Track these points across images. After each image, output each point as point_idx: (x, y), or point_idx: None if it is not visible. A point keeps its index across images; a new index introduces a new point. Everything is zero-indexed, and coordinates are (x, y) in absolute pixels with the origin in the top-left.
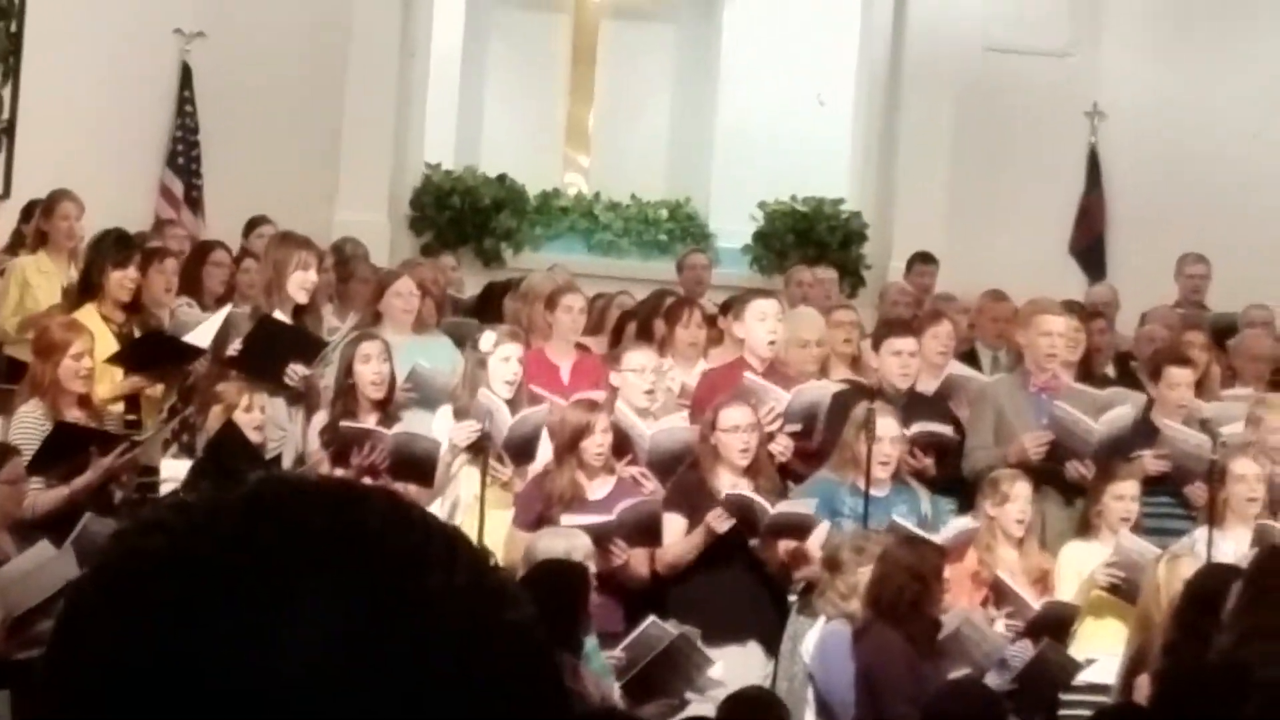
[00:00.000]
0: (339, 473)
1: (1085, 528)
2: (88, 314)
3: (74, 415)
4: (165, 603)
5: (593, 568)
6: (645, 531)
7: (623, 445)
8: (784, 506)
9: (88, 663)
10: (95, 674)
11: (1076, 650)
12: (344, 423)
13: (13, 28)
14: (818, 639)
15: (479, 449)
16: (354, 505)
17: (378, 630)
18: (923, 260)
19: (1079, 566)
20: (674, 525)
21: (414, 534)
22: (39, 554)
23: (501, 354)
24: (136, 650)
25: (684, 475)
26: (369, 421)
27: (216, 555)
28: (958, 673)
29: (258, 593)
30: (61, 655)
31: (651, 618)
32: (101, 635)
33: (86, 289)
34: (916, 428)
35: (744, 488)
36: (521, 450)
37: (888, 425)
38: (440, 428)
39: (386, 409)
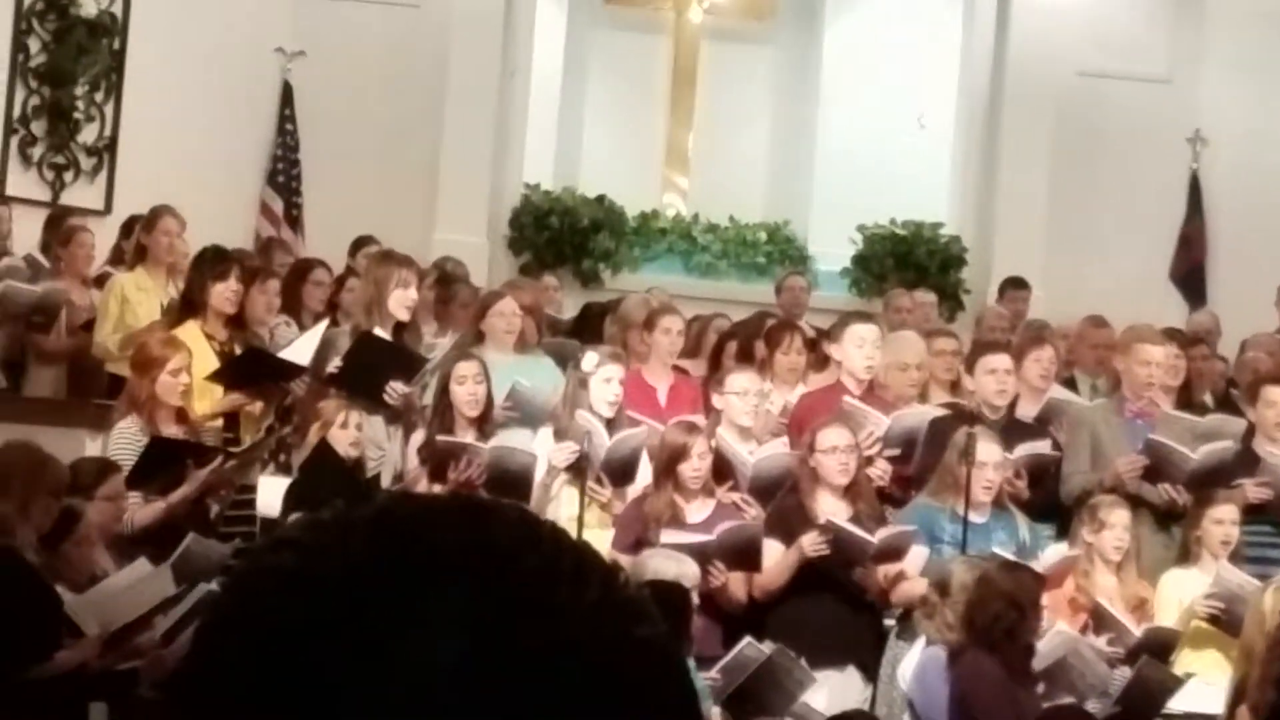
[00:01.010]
0: (436, 489)
1: (1185, 554)
2: (189, 331)
3: (171, 431)
4: (293, 619)
5: (695, 597)
6: (744, 554)
7: (724, 470)
8: (886, 533)
9: (218, 677)
10: (225, 689)
11: None
12: (440, 437)
13: (115, 45)
14: (917, 663)
15: (578, 470)
16: (482, 521)
17: (506, 646)
18: (1015, 285)
19: (1179, 594)
20: (772, 551)
21: (543, 549)
22: (136, 571)
23: (603, 375)
24: (264, 666)
25: (783, 500)
26: (466, 439)
27: (344, 572)
28: (1059, 700)
29: (384, 610)
30: (193, 668)
31: (747, 638)
32: (231, 650)
33: (189, 306)
34: (1020, 450)
35: (843, 511)
36: (620, 471)
37: (989, 450)
38: (540, 449)
39: (483, 428)
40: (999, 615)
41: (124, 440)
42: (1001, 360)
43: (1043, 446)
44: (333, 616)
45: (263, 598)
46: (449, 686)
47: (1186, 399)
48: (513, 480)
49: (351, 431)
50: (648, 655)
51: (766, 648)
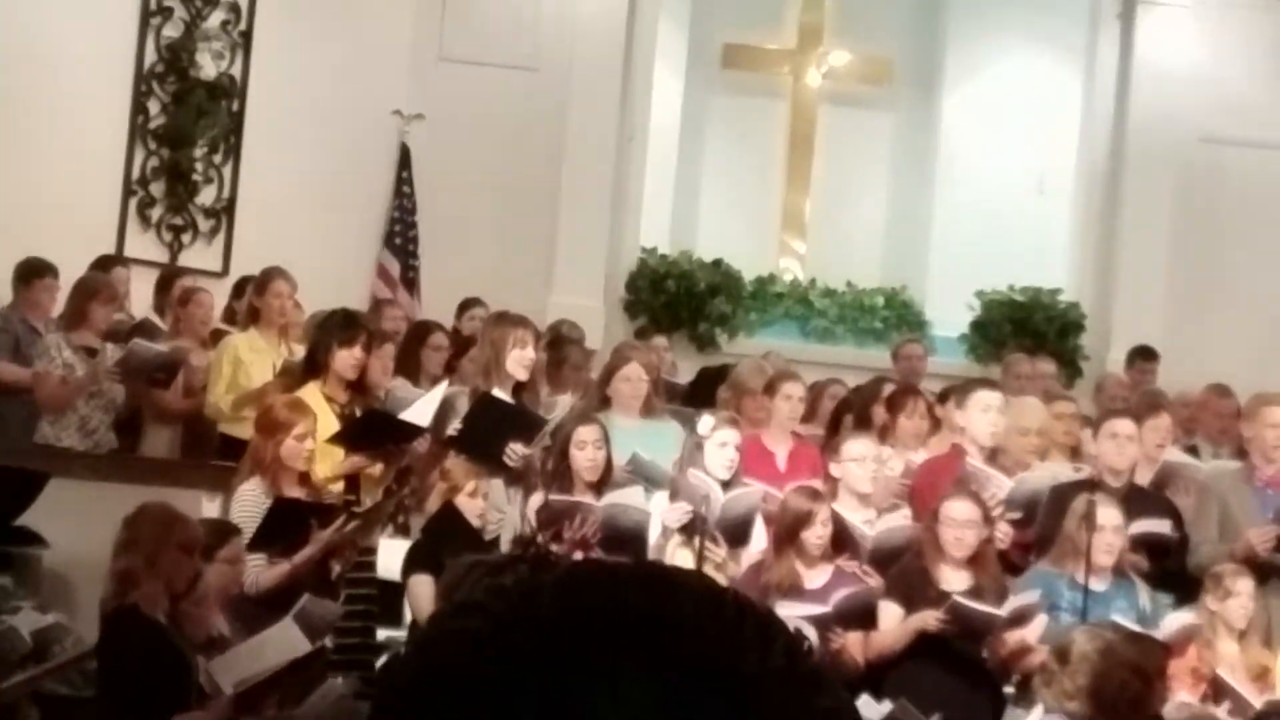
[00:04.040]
0: (554, 549)
1: None
2: (310, 393)
3: (293, 493)
4: (484, 684)
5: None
6: (859, 619)
7: (841, 539)
8: (1011, 606)
9: None
10: None
11: None
12: (553, 495)
13: (234, 107)
14: None
15: (692, 531)
16: (667, 588)
17: (691, 714)
18: (1144, 357)
19: None
20: (891, 613)
21: (728, 617)
22: (279, 631)
23: (719, 439)
24: None
25: (907, 563)
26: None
27: (534, 638)
28: None
29: (575, 676)
30: None
31: (864, 696)
32: (423, 715)
33: (312, 367)
34: (1137, 528)
35: (965, 580)
36: (735, 531)
37: (1110, 515)
38: (654, 509)
39: (601, 492)
40: (1124, 685)
41: (247, 502)
42: (1125, 426)
43: (1163, 526)
44: (524, 681)
45: (453, 662)
46: None
47: None
48: (627, 538)
49: (480, 501)
50: None
51: (885, 706)
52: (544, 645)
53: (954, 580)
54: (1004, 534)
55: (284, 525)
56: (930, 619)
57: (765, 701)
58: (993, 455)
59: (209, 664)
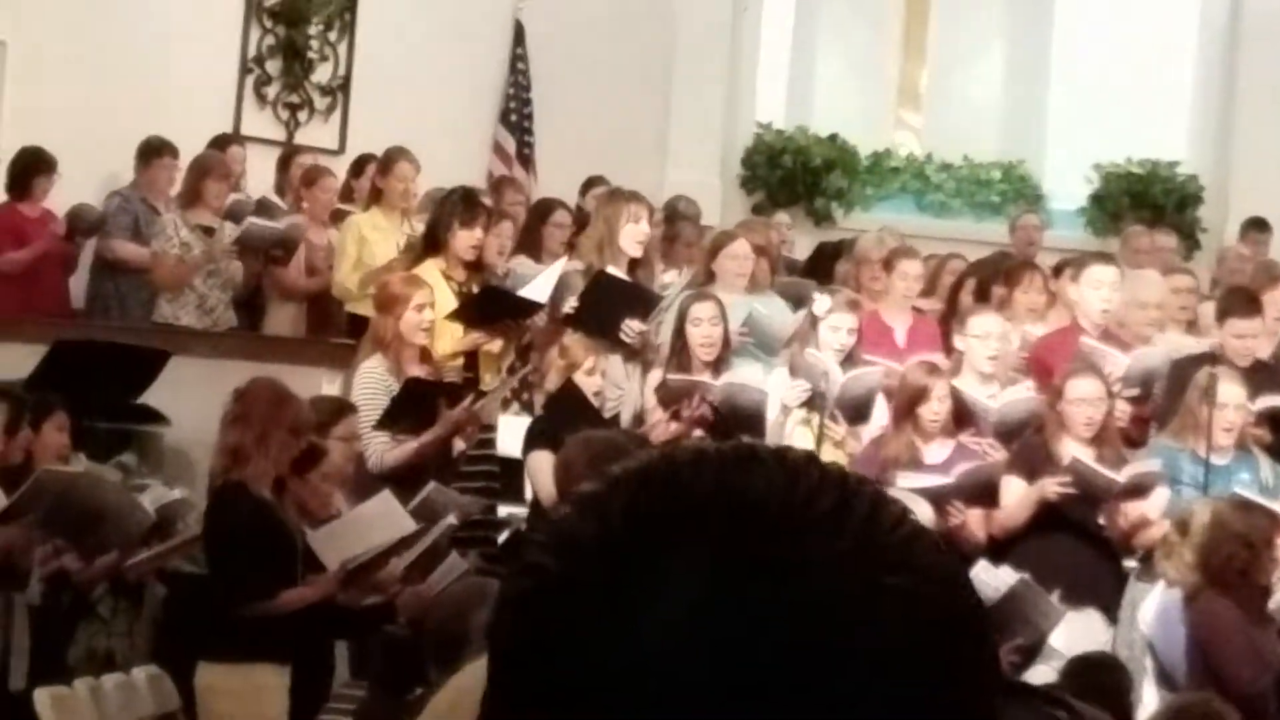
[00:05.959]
0: (673, 428)
1: None
2: (429, 270)
3: (415, 370)
4: (549, 579)
5: None
6: (982, 494)
7: (963, 414)
8: (1131, 470)
9: (494, 634)
10: (496, 645)
11: None
12: (671, 375)
13: None
14: (1158, 606)
15: (811, 408)
16: (740, 470)
17: (737, 602)
18: (1257, 228)
19: None
20: (1014, 488)
21: (796, 496)
22: (380, 504)
23: (833, 322)
24: (520, 625)
25: (1029, 439)
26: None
27: (598, 532)
28: None
29: (627, 569)
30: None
31: (982, 561)
32: (503, 609)
33: (431, 245)
34: (1263, 402)
35: (1088, 455)
36: (855, 410)
37: (1232, 392)
38: (774, 387)
39: (718, 369)
40: (1232, 556)
41: (370, 380)
42: (1251, 326)
43: None
44: (582, 576)
45: (535, 557)
46: (677, 644)
47: None
48: (745, 417)
49: (597, 379)
50: (897, 606)
51: (1004, 574)
52: (607, 538)
53: (1077, 454)
54: (1122, 411)
55: (414, 404)
56: (1050, 485)
57: (823, 586)
58: (1107, 331)
59: (311, 535)
